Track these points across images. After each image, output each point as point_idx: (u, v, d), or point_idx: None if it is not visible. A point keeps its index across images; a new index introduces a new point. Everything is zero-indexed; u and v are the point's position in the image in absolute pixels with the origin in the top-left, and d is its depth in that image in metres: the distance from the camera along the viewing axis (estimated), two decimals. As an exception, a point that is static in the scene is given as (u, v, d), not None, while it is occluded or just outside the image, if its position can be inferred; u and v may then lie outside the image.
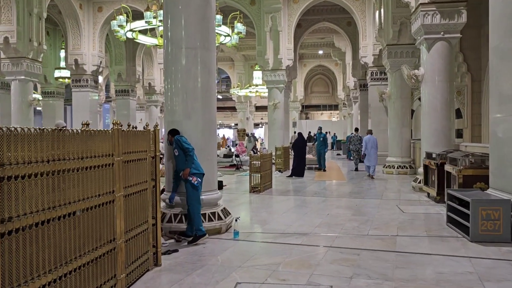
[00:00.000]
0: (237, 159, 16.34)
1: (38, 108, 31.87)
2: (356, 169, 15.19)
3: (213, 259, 4.51)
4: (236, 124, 39.89)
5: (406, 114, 14.01)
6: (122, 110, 24.43)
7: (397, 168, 13.78)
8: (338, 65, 34.28)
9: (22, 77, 15.39)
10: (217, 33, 13.05)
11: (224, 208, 6.08)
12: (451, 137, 9.51)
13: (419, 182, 9.70)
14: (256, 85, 27.95)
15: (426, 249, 4.92)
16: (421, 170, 9.75)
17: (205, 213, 5.63)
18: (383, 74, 17.26)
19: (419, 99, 16.30)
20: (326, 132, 21.28)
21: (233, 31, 13.34)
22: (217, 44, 13.95)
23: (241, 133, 34.93)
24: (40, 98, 16.39)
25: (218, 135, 34.16)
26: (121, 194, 3.52)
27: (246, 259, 4.50)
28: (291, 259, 4.49)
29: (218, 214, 5.80)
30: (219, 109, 47.04)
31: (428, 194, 8.74)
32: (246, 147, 20.23)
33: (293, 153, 13.70)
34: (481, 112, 13.58)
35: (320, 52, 33.61)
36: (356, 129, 16.86)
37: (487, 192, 5.87)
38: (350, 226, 6.09)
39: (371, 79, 17.84)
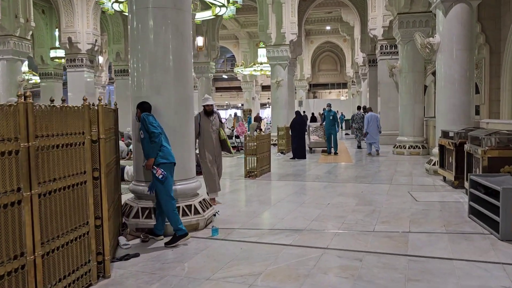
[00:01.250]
0: (238, 140, 15.38)
1: (36, 89, 31.20)
2: (359, 147, 15.32)
3: (177, 268, 3.61)
4: (242, 105, 38.81)
5: (418, 89, 12.87)
6: (123, 91, 23.48)
7: (409, 148, 12.73)
8: (346, 41, 32.83)
9: (10, 56, 14.52)
10: (211, 2, 12.01)
11: (203, 199, 5.17)
12: (470, 113, 8.43)
13: (434, 164, 8.69)
14: (261, 63, 26.82)
15: (446, 251, 3.96)
16: (435, 150, 8.72)
17: (179, 207, 4.73)
18: (393, 48, 16.03)
19: (433, 73, 15.15)
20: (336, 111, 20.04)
21: (229, 1, 12.21)
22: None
23: (247, 114, 33.98)
24: (27, 78, 15.49)
25: (230, 115, 33.32)
26: (35, 192, 2.61)
27: (220, 267, 3.60)
28: (275, 267, 3.57)
29: (195, 207, 4.89)
30: (225, 89, 46.07)
31: (444, 178, 7.74)
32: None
33: (291, 134, 12.75)
34: (500, 86, 12.43)
35: (328, 27, 32.17)
36: (359, 107, 16.99)
37: (518, 178, 4.86)
38: (353, 219, 5.15)
39: (381, 53, 16.61)
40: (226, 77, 41.67)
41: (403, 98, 13.03)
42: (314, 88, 41.96)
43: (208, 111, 6.27)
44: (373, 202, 6.18)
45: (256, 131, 19.81)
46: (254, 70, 29.10)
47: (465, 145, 6.56)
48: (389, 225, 4.87)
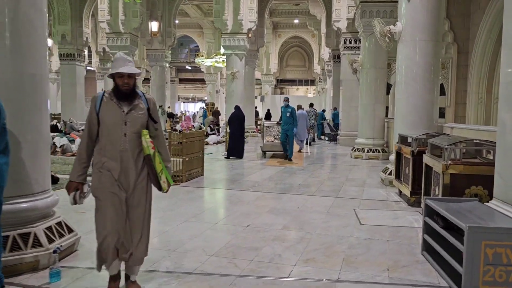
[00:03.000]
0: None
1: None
2: (309, 143, 15.82)
3: None
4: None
5: (380, 87, 11.69)
6: (68, 77, 21.46)
7: (368, 152, 11.56)
8: (314, 36, 31.69)
9: None
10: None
11: (60, 222, 3.67)
12: (433, 115, 7.23)
13: (390, 174, 7.47)
14: (224, 55, 25.33)
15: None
16: (392, 158, 7.51)
17: (8, 236, 3.21)
18: (358, 42, 14.84)
19: (398, 71, 14.09)
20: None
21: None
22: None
23: (210, 107, 32.34)
24: None
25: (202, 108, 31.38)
26: None
27: None
28: None
29: (36, 235, 3.38)
30: (189, 81, 44.18)
31: (400, 191, 6.51)
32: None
33: (229, 130, 11.38)
34: (467, 89, 11.42)
35: (296, 21, 30.93)
36: (311, 104, 17.95)
37: (489, 205, 3.60)
38: (269, 254, 3.77)
39: (344, 47, 15.43)
40: (190, 68, 39.81)
41: (363, 96, 11.84)
42: (282, 83, 40.71)
43: (123, 90, 2.90)
44: (306, 224, 4.82)
45: (210, 126, 18.35)
46: (216, 61, 27.57)
47: (424, 154, 5.30)
48: (313, 267, 3.50)
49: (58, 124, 21.20)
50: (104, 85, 28.28)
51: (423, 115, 7.08)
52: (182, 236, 4.25)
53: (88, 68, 35.92)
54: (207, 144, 15.62)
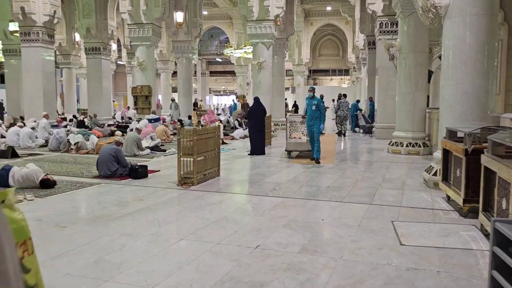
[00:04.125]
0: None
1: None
2: (340, 133, 15.75)
3: None
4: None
5: (421, 73, 10.41)
6: (94, 71, 21.14)
7: (407, 146, 10.34)
8: (348, 23, 30.14)
9: None
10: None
11: None
12: (488, 105, 6.02)
13: (435, 174, 6.33)
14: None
15: None
16: (438, 155, 6.36)
17: None
18: (394, 26, 13.53)
19: (440, 57, 12.70)
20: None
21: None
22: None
23: (240, 100, 31.49)
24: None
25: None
26: None
27: None
28: None
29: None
30: (220, 73, 43.51)
31: (449, 197, 5.39)
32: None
33: (248, 125, 10.47)
34: (520, 74, 10.04)
35: (328, 8, 29.48)
36: (344, 95, 16.90)
37: None
38: (277, 294, 2.83)
39: (380, 32, 14.10)
40: (220, 60, 39.09)
41: (401, 84, 10.59)
42: (314, 74, 39.35)
43: None
44: (331, 244, 3.83)
45: (238, 120, 17.49)
46: (245, 52, 26.65)
47: (482, 154, 4.17)
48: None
49: (85, 120, 21.00)
50: (130, 80, 28.02)
51: (474, 104, 5.92)
52: (170, 264, 3.35)
53: (118, 62, 36.06)
54: (233, 138, 14.79)
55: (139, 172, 7.14)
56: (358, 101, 19.20)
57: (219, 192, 6.16)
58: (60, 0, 17.81)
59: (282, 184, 6.72)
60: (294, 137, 9.83)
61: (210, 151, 7.12)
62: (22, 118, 17.33)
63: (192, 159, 6.57)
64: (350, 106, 17.71)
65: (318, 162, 8.90)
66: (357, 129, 17.80)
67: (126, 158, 9.67)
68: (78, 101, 31.58)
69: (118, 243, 3.83)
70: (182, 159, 6.62)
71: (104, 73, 21.29)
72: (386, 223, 4.49)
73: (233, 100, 31.20)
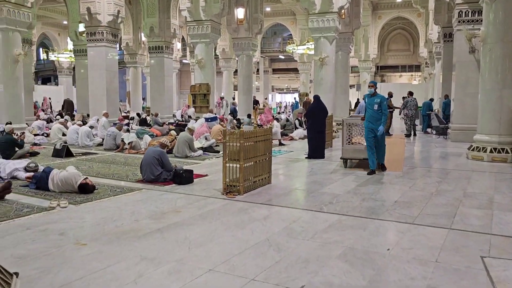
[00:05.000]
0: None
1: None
2: (409, 135, 14.61)
3: None
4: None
5: (510, 67, 8.92)
6: (157, 70, 21.34)
7: (491, 152, 8.93)
8: (420, 16, 28.00)
9: (4, 26, 12.61)
10: None
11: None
12: None
13: (533, 191, 5.10)
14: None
15: None
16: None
17: None
18: (476, 14, 11.97)
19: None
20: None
21: None
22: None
23: (303, 97, 30.62)
24: (26, 51, 13.60)
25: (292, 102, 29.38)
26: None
27: None
28: None
29: None
30: (283, 71, 42.73)
31: (556, 224, 4.19)
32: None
33: (306, 126, 9.57)
34: None
35: (399, 0, 27.60)
36: (411, 93, 15.12)
37: None
38: None
39: (459, 21, 12.53)
40: (283, 57, 38.30)
41: (485, 80, 9.17)
42: (382, 70, 37.27)
43: None
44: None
45: (298, 119, 16.62)
46: (308, 48, 25.64)
47: None
48: None
49: (147, 118, 21.25)
50: (193, 78, 28.11)
51: None
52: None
53: (183, 61, 36.59)
54: (292, 139, 13.98)
55: (184, 178, 6.58)
56: (431, 100, 17.51)
57: (267, 204, 5.39)
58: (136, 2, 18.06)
59: (340, 196, 5.81)
60: (354, 143, 8.28)
61: (260, 156, 6.38)
62: (88, 116, 17.79)
63: (238, 165, 5.87)
64: (420, 105, 16.19)
65: (384, 169, 7.72)
66: (429, 130, 16.21)
67: (177, 159, 9.30)
68: (144, 99, 32.44)
69: (135, 272, 3.20)
70: (228, 164, 5.95)
71: (167, 71, 21.39)
72: (473, 259, 3.46)
73: (294, 98, 30.29)
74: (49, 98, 29.60)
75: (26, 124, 14.87)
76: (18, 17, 12.83)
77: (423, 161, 9.65)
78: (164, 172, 6.73)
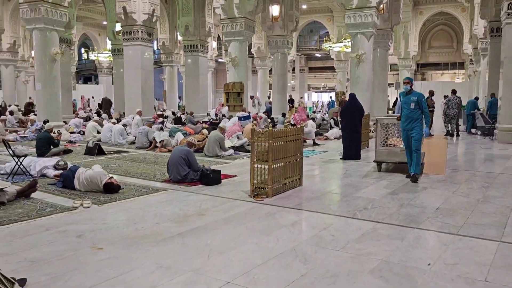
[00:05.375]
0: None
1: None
2: (451, 135, 13.85)
3: None
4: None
5: None
6: (191, 69, 21.39)
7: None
8: (465, 10, 26.71)
9: (41, 25, 12.89)
10: None
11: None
12: None
13: None
14: (353, 37, 22.67)
15: None
16: None
17: None
18: (529, 6, 11.12)
19: None
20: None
21: None
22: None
23: (340, 96, 30.00)
24: (62, 50, 13.85)
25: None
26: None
27: None
28: None
29: None
30: (319, 69, 42.02)
31: None
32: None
33: (341, 126, 9.12)
34: None
35: (442, -7, 26.43)
36: (454, 91, 14.16)
37: None
38: None
39: (508, 14, 11.71)
40: (319, 55, 37.63)
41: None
42: (423, 68, 35.89)
43: None
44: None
45: (334, 118, 16.15)
46: (345, 45, 24.95)
47: None
48: None
49: (182, 116, 21.34)
50: (228, 77, 28.04)
51: None
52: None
53: (219, 60, 36.65)
54: (327, 139, 13.54)
55: (211, 178, 6.36)
56: (476, 98, 16.53)
57: (296, 208, 5.06)
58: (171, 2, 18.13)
59: (376, 201, 5.39)
60: (390, 145, 7.49)
61: (291, 157, 6.06)
62: (124, 114, 18.02)
63: (267, 167, 5.57)
64: (463, 104, 15.30)
65: (415, 180, 6.58)
66: (473, 130, 15.30)
67: (208, 158, 9.12)
68: (180, 98, 32.74)
69: (149, 282, 2.97)
70: (256, 165, 5.66)
71: (201, 70, 21.40)
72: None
73: (330, 97, 29.61)
74: (92, 98, 30.43)
75: (64, 122, 15.21)
76: (55, 16, 13.08)
77: (468, 163, 9.01)
78: (191, 172, 6.53)
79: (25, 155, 6.89)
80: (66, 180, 6.02)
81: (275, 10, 18.88)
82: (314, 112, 26.47)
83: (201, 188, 6.21)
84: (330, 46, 26.45)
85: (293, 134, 6.08)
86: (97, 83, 40.08)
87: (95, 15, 30.73)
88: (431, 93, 14.02)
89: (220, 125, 9.87)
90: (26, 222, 4.42)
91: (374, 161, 7.73)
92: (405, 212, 4.88)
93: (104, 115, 20.30)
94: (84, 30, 35.03)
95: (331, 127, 15.15)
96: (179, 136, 10.59)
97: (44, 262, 3.35)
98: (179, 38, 25.77)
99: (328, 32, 32.95)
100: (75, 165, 6.48)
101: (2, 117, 14.84)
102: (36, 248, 3.67)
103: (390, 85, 26.19)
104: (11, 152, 6.84)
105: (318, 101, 42.39)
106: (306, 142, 12.24)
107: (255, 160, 5.67)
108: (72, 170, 6.05)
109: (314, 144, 11.92)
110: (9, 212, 4.77)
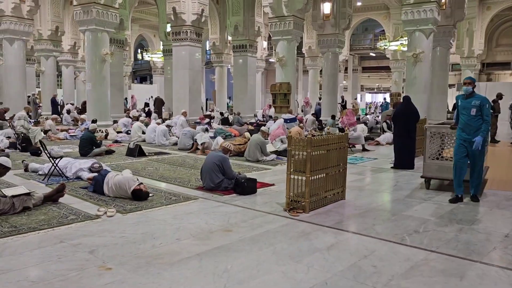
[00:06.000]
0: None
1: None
2: None
3: None
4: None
5: None
6: (240, 69, 21.16)
7: None
8: (539, 5, 24.39)
9: (93, 26, 13.08)
10: None
11: None
12: None
13: None
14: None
15: None
16: None
17: None
18: None
19: None
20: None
21: None
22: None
23: (395, 98, 28.64)
24: (112, 51, 13.94)
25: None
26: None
27: None
28: None
29: None
30: (373, 69, 40.42)
31: None
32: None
33: (393, 131, 8.31)
34: None
35: (512, -13, 24.31)
36: None
37: None
38: None
39: None
40: (374, 55, 36.14)
41: None
42: (489, 68, 33.37)
43: None
44: None
45: (387, 122, 15.17)
46: (402, 44, 23.63)
47: None
48: None
49: (230, 117, 21.14)
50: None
51: None
52: None
53: (270, 60, 36.24)
54: (378, 144, 12.68)
55: (245, 187, 5.90)
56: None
57: (334, 228, 4.46)
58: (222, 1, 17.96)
59: (430, 222, 4.67)
60: (445, 157, 6.29)
61: (332, 168, 5.45)
62: (172, 114, 18.08)
63: (304, 178, 5.02)
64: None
65: (476, 200, 5.61)
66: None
67: (248, 163, 8.68)
68: (230, 98, 32.69)
69: (148, 318, 2.54)
70: (292, 176, 5.12)
71: (250, 70, 21.10)
72: None
73: (384, 99, 28.19)
74: (151, 97, 31.07)
75: (115, 121, 15.42)
76: (106, 18, 13.21)
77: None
78: (225, 180, 6.11)
79: (61, 157, 6.78)
80: (96, 185, 5.80)
81: (326, 7, 18.14)
82: (366, 114, 25.34)
83: (234, 198, 5.76)
84: (386, 45, 25.17)
85: (336, 142, 5.47)
86: (151, 83, 41.12)
87: (150, 17, 31.42)
88: (499, 96, 12.75)
89: (262, 128, 9.39)
90: (44, 232, 4.18)
91: (422, 177, 6.58)
92: (465, 239, 4.14)
93: (153, 115, 20.54)
94: (140, 31, 36.00)
95: (384, 131, 14.21)
96: (219, 139, 10.23)
97: (44, 283, 3.03)
98: (229, 38, 25.67)
99: (383, 30, 31.53)
100: (106, 169, 6.26)
101: (54, 115, 15.23)
102: (43, 265, 3.38)
103: (450, 86, 24.54)
104: (47, 153, 6.77)
105: (373, 102, 40.85)
106: (354, 147, 11.51)
107: (291, 170, 5.13)
108: (102, 175, 5.82)
109: (364, 150, 11.14)
110: (31, 219, 4.57)
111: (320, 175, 5.22)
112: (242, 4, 20.43)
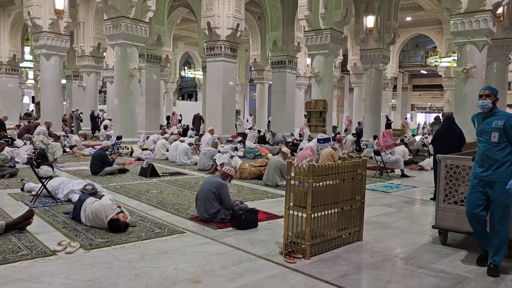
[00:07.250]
0: (377, 157, 9.93)
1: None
2: None
3: None
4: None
5: None
6: (278, 85, 20.42)
7: None
8: None
9: (122, 40, 12.84)
10: None
11: None
12: None
13: None
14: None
15: None
16: None
17: None
18: None
19: None
20: None
21: None
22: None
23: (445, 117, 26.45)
24: (140, 65, 13.53)
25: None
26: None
27: None
28: None
29: None
30: (425, 87, 38.23)
31: None
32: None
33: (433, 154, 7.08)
34: None
35: None
36: None
37: None
38: None
39: None
40: (425, 72, 34.13)
41: None
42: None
43: None
44: None
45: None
46: (454, 60, 21.84)
47: None
48: None
49: (266, 135, 20.35)
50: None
51: None
52: None
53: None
54: (422, 169, 11.32)
55: (243, 221, 4.97)
56: None
57: (335, 285, 3.42)
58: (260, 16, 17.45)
59: (468, 283, 3.51)
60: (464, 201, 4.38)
61: (345, 202, 4.41)
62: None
63: (304, 215, 4.03)
64: None
65: (495, 273, 3.70)
66: None
67: (266, 188, 7.68)
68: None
69: None
70: (291, 212, 4.15)
71: (288, 87, 20.32)
72: None
73: (434, 118, 26.13)
74: (180, 115, 31.03)
75: (150, 136, 14.94)
76: (135, 32, 12.94)
77: None
78: (222, 210, 5.22)
79: (50, 177, 6.20)
80: (74, 212, 5.12)
81: (370, 21, 17.01)
82: (414, 135, 23.62)
83: (228, 232, 4.85)
84: (436, 61, 23.48)
85: (349, 170, 4.43)
86: (196, 99, 41.38)
87: (195, 34, 31.58)
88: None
89: (283, 149, 8.42)
90: (-22, 271, 3.48)
91: (435, 227, 4.79)
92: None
93: (190, 132, 20.14)
94: (186, 49, 36.34)
95: (430, 155, 12.77)
96: (237, 161, 9.38)
97: None
98: (270, 54, 25.04)
99: (435, 46, 29.67)
100: (86, 194, 5.58)
101: (81, 131, 15.12)
102: None
103: (510, 106, 22.38)
104: (36, 172, 6.22)
105: (425, 123, 38.61)
106: (393, 172, 10.26)
107: (290, 204, 4.16)
108: (81, 200, 5.14)
109: (403, 175, 9.86)
110: (-21, 252, 3.91)
111: (327, 211, 4.20)
112: (282, 19, 19.82)
